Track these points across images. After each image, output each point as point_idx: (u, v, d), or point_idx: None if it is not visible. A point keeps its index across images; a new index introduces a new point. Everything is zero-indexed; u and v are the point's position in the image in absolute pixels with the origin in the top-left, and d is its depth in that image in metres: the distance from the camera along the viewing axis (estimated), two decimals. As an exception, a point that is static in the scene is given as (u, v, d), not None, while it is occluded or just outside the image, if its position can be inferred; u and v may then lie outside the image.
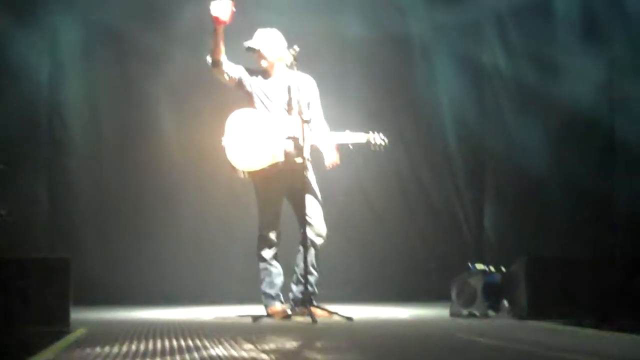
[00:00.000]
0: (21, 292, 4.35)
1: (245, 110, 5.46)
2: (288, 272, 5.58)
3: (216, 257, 7.34)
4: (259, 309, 5.55)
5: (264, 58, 5.49)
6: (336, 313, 5.23)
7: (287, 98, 5.46)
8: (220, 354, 3.37)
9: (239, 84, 5.51)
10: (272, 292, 5.49)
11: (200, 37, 7.10)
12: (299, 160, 5.25)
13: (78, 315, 4.90)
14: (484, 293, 5.46)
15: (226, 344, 3.66)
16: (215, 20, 5.22)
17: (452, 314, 5.57)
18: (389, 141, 5.68)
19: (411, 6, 7.76)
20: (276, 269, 5.53)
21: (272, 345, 3.64)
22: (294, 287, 5.53)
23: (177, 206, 7.39)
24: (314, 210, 5.46)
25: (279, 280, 5.53)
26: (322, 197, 5.57)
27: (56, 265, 4.45)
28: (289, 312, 5.28)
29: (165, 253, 7.28)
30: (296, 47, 5.31)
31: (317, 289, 5.51)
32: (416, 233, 7.76)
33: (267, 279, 5.51)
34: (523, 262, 5.29)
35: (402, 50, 7.83)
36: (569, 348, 3.64)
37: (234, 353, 3.39)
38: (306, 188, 5.34)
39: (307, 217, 5.35)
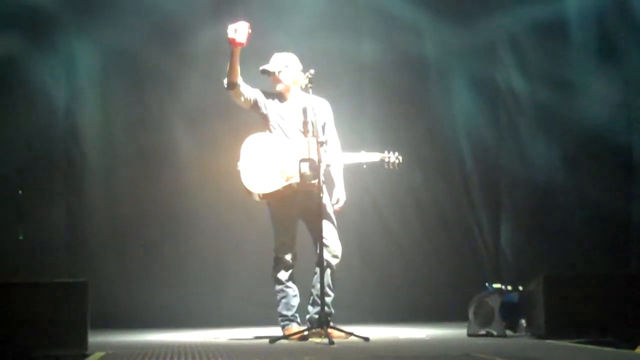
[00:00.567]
0: (39, 316, 4.36)
1: (260, 135, 5.48)
2: (304, 293, 5.58)
3: (232, 279, 7.33)
4: (275, 331, 5.54)
5: (280, 81, 5.52)
6: (353, 334, 5.21)
7: (302, 120, 5.49)
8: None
9: (255, 106, 5.54)
10: (289, 313, 5.49)
11: (216, 61, 7.16)
12: (314, 181, 5.26)
13: (96, 338, 4.91)
14: (502, 312, 5.42)
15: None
16: (232, 42, 5.26)
17: (469, 334, 5.53)
18: (404, 160, 5.69)
19: (427, 28, 7.80)
20: (292, 290, 5.53)
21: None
22: (310, 308, 5.52)
23: (193, 229, 7.40)
24: (329, 231, 5.46)
25: (295, 301, 5.52)
26: (337, 217, 5.57)
27: (74, 288, 4.46)
28: (306, 333, 5.26)
29: (182, 275, 7.29)
30: (312, 71, 5.34)
31: (333, 309, 5.50)
32: (432, 252, 7.74)
33: (283, 301, 5.50)
34: (540, 280, 5.25)
35: (418, 71, 7.86)
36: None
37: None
38: (321, 209, 5.34)
39: (324, 238, 5.34)
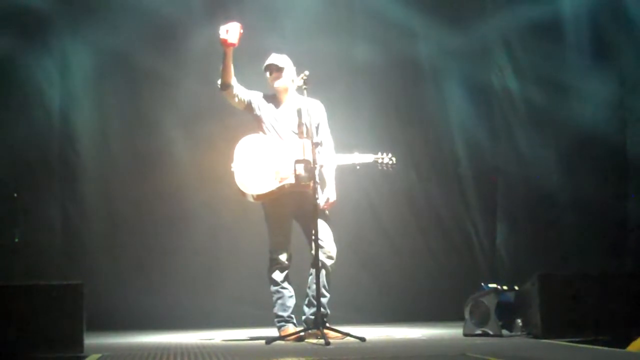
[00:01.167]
0: (35, 319, 4.35)
1: (254, 136, 5.49)
2: (300, 293, 5.58)
3: (228, 280, 7.35)
4: (271, 332, 5.54)
5: (281, 78, 5.51)
6: (349, 334, 5.21)
7: (296, 121, 5.49)
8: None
9: (248, 107, 5.55)
10: (285, 314, 5.49)
11: (211, 63, 7.17)
12: (309, 182, 5.26)
13: (92, 340, 4.90)
14: (498, 312, 5.43)
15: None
16: (224, 42, 5.26)
17: (465, 334, 5.54)
18: (400, 161, 5.70)
19: (421, 30, 7.81)
20: (288, 291, 5.53)
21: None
22: (306, 309, 5.52)
23: (188, 231, 7.40)
24: (324, 232, 5.46)
25: (291, 302, 5.53)
26: (332, 218, 5.58)
27: (69, 291, 4.45)
28: (302, 334, 5.26)
29: (177, 276, 7.30)
30: (306, 72, 5.34)
31: (329, 309, 5.51)
32: (428, 253, 7.76)
33: (279, 302, 5.51)
34: (536, 280, 5.26)
35: (413, 73, 7.89)
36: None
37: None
38: (316, 210, 5.33)
39: (319, 239, 5.34)
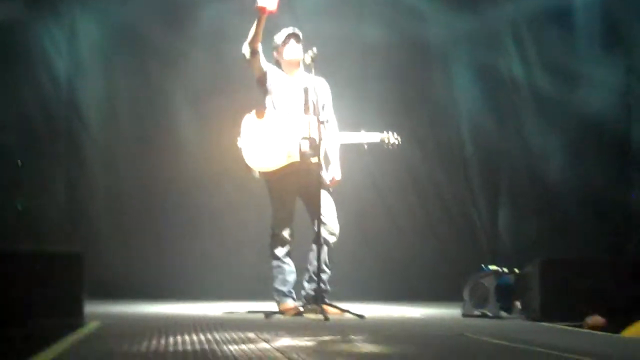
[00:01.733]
0: (34, 285, 4.38)
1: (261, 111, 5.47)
2: (300, 269, 5.59)
3: (231, 253, 7.37)
4: (271, 305, 5.56)
5: (299, 50, 5.47)
6: (348, 311, 5.23)
7: (303, 99, 5.48)
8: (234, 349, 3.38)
9: (263, 77, 5.51)
10: (284, 289, 5.51)
11: (220, 38, 7.17)
12: (314, 160, 5.26)
13: (92, 308, 4.92)
14: (497, 294, 5.45)
15: (240, 341, 3.67)
16: (262, 9, 5.23)
17: (464, 314, 5.57)
18: (405, 143, 5.71)
19: (430, 12, 7.78)
20: (289, 266, 5.55)
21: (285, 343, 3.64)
22: (306, 285, 5.54)
23: (192, 202, 7.42)
24: (327, 208, 5.47)
25: (291, 277, 5.54)
26: (336, 196, 5.58)
27: (70, 259, 4.47)
28: (301, 309, 5.28)
29: (180, 247, 7.32)
30: (315, 49, 5.32)
31: (329, 286, 5.52)
32: (430, 234, 7.77)
33: (279, 277, 5.52)
34: (537, 263, 5.27)
35: (421, 55, 7.86)
36: (581, 350, 3.62)
37: (247, 348, 3.40)
38: (320, 187, 5.34)
39: (321, 215, 5.35)
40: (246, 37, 5.37)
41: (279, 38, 5.54)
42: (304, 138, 5.30)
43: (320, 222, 5.28)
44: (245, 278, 7.10)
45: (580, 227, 7.52)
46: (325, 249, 5.45)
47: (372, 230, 7.65)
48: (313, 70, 5.34)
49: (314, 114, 5.33)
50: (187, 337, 3.76)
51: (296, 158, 5.34)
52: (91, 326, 4.31)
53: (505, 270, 5.60)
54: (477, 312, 5.49)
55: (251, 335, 3.84)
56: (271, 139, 5.39)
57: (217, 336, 3.81)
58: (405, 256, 7.63)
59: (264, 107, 5.50)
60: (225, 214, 7.44)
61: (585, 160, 7.62)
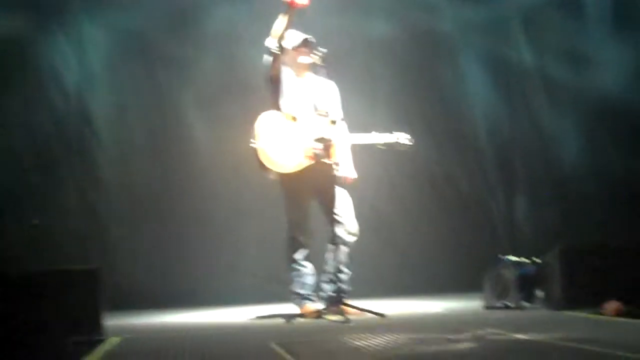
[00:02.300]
0: (53, 304, 4.37)
1: (276, 113, 5.43)
2: (319, 269, 5.56)
3: (247, 258, 7.35)
4: (291, 309, 5.54)
5: (309, 55, 5.42)
6: (369, 310, 5.20)
7: (314, 99, 5.44)
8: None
9: (278, 76, 5.46)
10: (304, 292, 5.48)
11: (228, 42, 7.14)
12: (328, 160, 5.23)
13: (111, 321, 4.91)
14: (518, 284, 5.40)
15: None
16: (291, 4, 5.17)
17: (486, 307, 5.52)
18: (418, 136, 5.67)
19: (438, 2, 7.71)
20: (308, 269, 5.51)
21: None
22: (325, 286, 5.51)
23: (208, 210, 7.39)
24: (345, 208, 5.43)
25: (310, 280, 5.51)
26: (350, 193, 5.54)
27: (87, 275, 4.47)
28: (322, 311, 5.25)
29: (196, 255, 7.30)
30: (324, 50, 5.27)
31: (349, 285, 5.49)
32: (447, 226, 7.72)
33: (298, 279, 5.49)
34: (557, 251, 5.22)
35: (430, 47, 7.81)
36: (606, 339, 3.58)
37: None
38: (334, 187, 5.30)
39: (338, 216, 5.31)
40: (255, 39, 5.33)
41: (293, 41, 5.47)
42: (317, 139, 5.27)
43: (335, 222, 5.25)
44: (266, 282, 7.07)
45: (599, 212, 7.45)
46: (343, 249, 5.41)
47: (388, 225, 7.61)
48: (324, 71, 5.29)
49: (326, 114, 5.29)
50: (210, 351, 3.73)
51: (313, 159, 5.30)
52: (112, 341, 4.29)
53: (526, 260, 5.55)
54: (498, 304, 5.44)
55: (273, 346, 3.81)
56: (289, 139, 5.34)
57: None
58: (423, 250, 7.59)
59: (280, 107, 5.43)
60: (243, 217, 7.40)
61: (601, 145, 7.56)
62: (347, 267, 5.46)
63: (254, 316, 5.67)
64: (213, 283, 7.21)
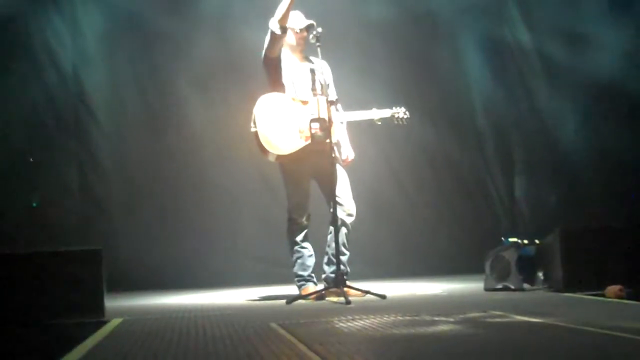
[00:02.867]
0: (55, 285, 4.38)
1: (274, 95, 5.41)
2: (318, 251, 5.57)
3: (246, 239, 7.35)
4: (292, 290, 5.55)
5: (305, 37, 5.42)
6: (369, 292, 5.20)
7: (311, 80, 5.43)
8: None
9: (278, 58, 5.45)
10: (305, 273, 5.49)
11: (224, 21, 7.09)
12: (327, 141, 5.21)
13: (111, 303, 4.92)
14: (518, 266, 5.41)
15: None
16: None
17: (486, 288, 5.53)
18: (416, 118, 5.66)
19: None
20: (307, 250, 5.52)
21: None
22: (326, 268, 5.52)
23: (206, 190, 7.39)
24: (343, 189, 5.44)
25: (310, 261, 5.52)
26: (350, 175, 5.54)
27: (89, 257, 4.47)
28: (323, 292, 5.26)
29: (195, 236, 7.29)
30: (319, 30, 5.25)
31: (349, 267, 5.50)
32: (447, 208, 7.73)
33: (299, 261, 5.50)
34: (557, 233, 5.22)
35: (427, 28, 7.78)
36: (607, 320, 3.58)
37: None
38: (334, 168, 5.30)
39: (337, 197, 5.32)
40: (252, 19, 5.32)
41: (299, 23, 5.45)
42: (314, 120, 5.26)
43: (335, 203, 5.25)
44: (265, 263, 7.09)
45: (598, 192, 7.45)
46: (343, 230, 5.42)
47: (388, 207, 7.61)
48: (319, 51, 5.28)
49: (323, 94, 5.29)
50: (211, 332, 3.74)
51: (309, 140, 5.30)
52: (114, 323, 4.30)
53: (526, 241, 5.55)
54: (499, 286, 5.45)
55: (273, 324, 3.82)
56: (287, 121, 5.33)
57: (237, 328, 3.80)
58: (423, 232, 7.59)
59: (278, 87, 5.42)
60: (241, 199, 7.39)
61: (600, 125, 7.54)
62: (346, 248, 5.46)
63: (254, 297, 5.69)
64: (213, 264, 7.22)
